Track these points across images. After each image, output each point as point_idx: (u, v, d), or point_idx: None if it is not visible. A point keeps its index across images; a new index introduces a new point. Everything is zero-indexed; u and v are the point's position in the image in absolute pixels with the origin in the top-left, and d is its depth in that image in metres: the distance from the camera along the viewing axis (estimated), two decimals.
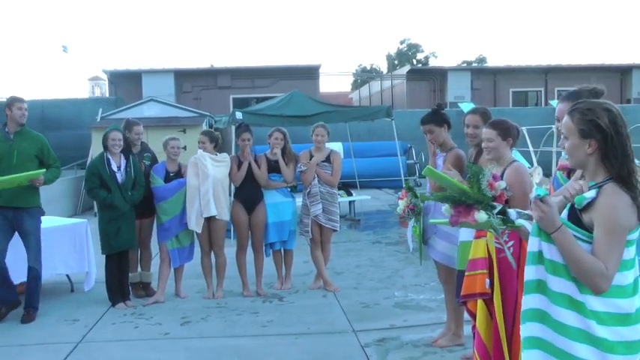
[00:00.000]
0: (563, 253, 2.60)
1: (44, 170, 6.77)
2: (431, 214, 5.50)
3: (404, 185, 5.70)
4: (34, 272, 6.74)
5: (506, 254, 3.70)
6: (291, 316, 6.80)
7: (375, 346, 5.79)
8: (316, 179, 7.65)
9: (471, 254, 4.42)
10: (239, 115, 12.51)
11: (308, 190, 7.68)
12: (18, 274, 6.87)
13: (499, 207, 3.35)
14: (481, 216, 3.34)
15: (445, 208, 3.56)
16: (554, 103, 25.24)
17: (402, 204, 5.59)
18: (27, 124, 6.90)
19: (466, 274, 4.44)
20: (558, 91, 29.51)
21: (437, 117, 5.63)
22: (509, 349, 4.17)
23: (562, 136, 2.76)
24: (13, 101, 6.76)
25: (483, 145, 4.52)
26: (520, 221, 3.22)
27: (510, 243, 3.87)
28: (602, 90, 3.68)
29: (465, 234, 4.77)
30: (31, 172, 6.61)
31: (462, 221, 3.45)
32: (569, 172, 3.24)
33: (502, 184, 4.06)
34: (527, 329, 2.72)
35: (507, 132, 4.39)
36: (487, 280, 4.26)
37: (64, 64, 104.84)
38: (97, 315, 6.96)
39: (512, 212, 3.32)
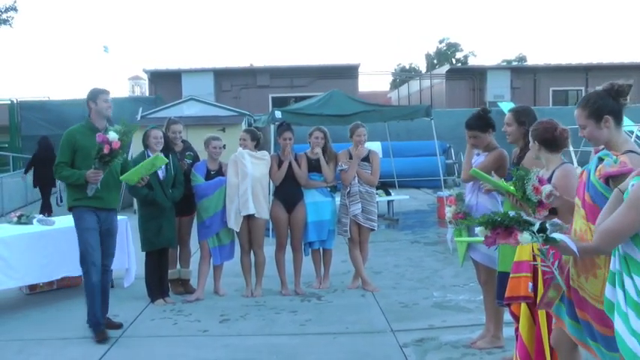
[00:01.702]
0: None
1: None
2: (472, 214, 5.45)
3: (455, 194, 5.67)
4: (110, 274, 6.64)
5: (557, 279, 3.51)
6: (330, 316, 6.80)
7: (413, 346, 5.75)
8: (356, 179, 7.63)
9: (516, 256, 4.35)
10: (278, 114, 12.56)
11: (347, 189, 7.65)
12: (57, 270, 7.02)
13: (537, 224, 3.23)
14: (525, 237, 3.23)
15: (480, 229, 3.42)
16: None
17: (450, 210, 5.55)
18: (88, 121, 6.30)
19: (511, 275, 4.38)
20: None
21: (482, 122, 5.55)
22: (552, 354, 4.11)
23: None
24: (97, 93, 6.20)
25: None
26: (555, 235, 3.14)
27: (556, 264, 3.61)
28: (614, 86, 3.54)
29: None
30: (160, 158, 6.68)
31: (501, 242, 3.34)
32: (607, 180, 3.15)
33: (547, 187, 3.99)
34: None
35: (539, 135, 4.45)
36: (530, 284, 4.20)
37: (105, 63, 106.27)
38: (137, 311, 7.04)
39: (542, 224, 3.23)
